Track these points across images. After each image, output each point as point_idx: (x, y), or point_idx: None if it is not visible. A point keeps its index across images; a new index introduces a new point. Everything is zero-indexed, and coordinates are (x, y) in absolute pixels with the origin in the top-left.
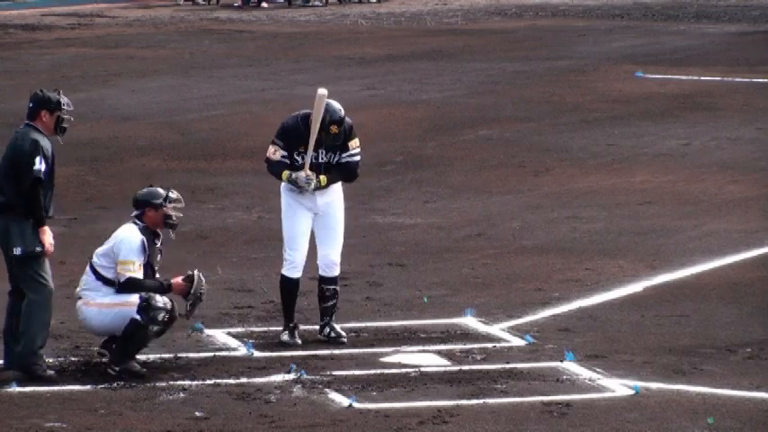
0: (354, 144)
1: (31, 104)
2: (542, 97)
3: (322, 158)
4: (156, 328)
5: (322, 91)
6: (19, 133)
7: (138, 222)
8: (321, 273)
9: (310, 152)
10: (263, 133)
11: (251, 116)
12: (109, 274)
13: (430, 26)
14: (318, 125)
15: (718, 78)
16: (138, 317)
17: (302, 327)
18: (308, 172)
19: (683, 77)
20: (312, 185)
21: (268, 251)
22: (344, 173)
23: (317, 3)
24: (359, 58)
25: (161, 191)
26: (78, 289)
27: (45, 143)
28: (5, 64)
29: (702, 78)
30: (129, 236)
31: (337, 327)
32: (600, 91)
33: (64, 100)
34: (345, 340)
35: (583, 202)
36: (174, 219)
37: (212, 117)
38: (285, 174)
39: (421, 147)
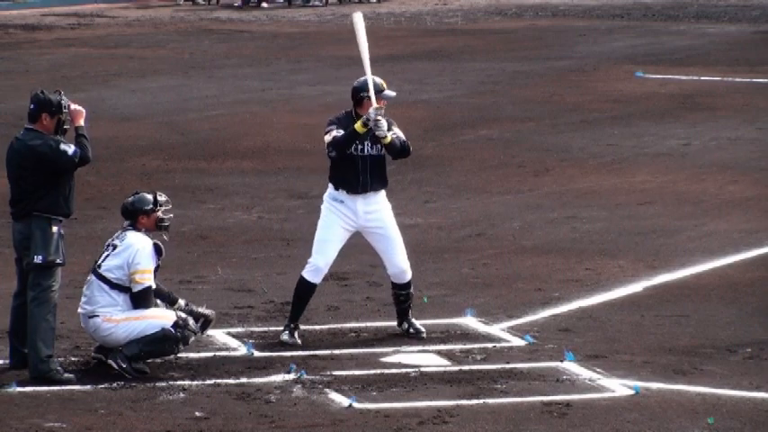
0: (397, 130)
1: (32, 106)
2: (542, 97)
3: (368, 151)
4: (182, 347)
5: (358, 15)
6: (21, 141)
7: (135, 229)
8: (394, 281)
9: (370, 83)
10: (263, 133)
11: (251, 116)
12: (128, 282)
13: (430, 26)
14: (366, 47)
15: (718, 78)
16: (172, 330)
17: (302, 327)
18: (375, 104)
19: (683, 77)
20: (384, 123)
21: (268, 251)
22: (398, 142)
23: (316, 3)
24: (359, 59)
25: (148, 196)
26: (90, 307)
27: (54, 137)
28: (5, 64)
29: (702, 78)
30: (142, 244)
31: (417, 323)
32: (600, 91)
33: (65, 102)
34: (425, 336)
35: (583, 202)
36: (166, 221)
37: (212, 117)
38: (358, 124)
39: (421, 147)
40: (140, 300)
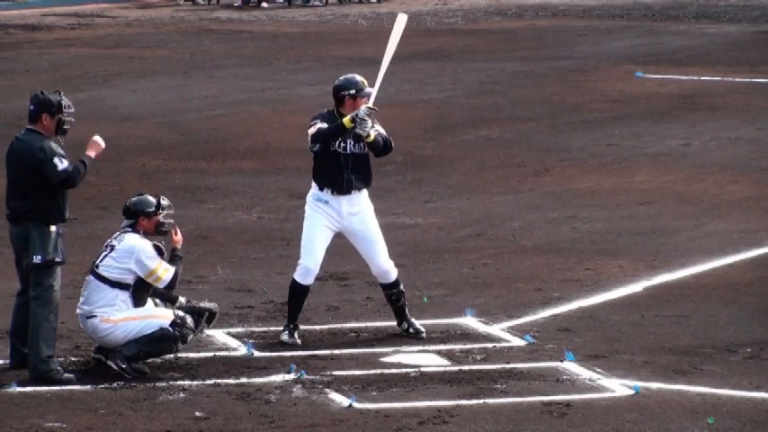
0: (378, 127)
1: (32, 107)
2: (542, 97)
3: (351, 149)
4: (181, 345)
5: (403, 16)
6: (22, 142)
7: (134, 231)
8: (380, 281)
9: (379, 81)
10: (263, 133)
11: (251, 116)
12: (128, 280)
13: (430, 26)
14: (394, 49)
15: (718, 78)
16: (170, 329)
17: (302, 327)
18: (370, 105)
19: (683, 77)
20: (369, 123)
21: (268, 251)
22: (380, 139)
23: (316, 3)
24: (359, 58)
25: (152, 199)
26: (88, 307)
27: (54, 145)
28: (5, 64)
29: (702, 78)
30: (142, 244)
31: (416, 323)
32: (600, 91)
33: (65, 102)
34: (425, 336)
35: (583, 202)
36: (166, 226)
37: (212, 117)
38: (347, 119)
39: (421, 147)
40: (170, 290)
